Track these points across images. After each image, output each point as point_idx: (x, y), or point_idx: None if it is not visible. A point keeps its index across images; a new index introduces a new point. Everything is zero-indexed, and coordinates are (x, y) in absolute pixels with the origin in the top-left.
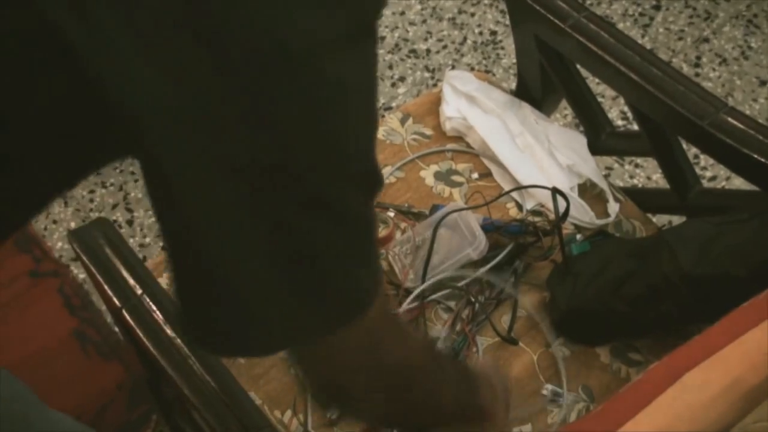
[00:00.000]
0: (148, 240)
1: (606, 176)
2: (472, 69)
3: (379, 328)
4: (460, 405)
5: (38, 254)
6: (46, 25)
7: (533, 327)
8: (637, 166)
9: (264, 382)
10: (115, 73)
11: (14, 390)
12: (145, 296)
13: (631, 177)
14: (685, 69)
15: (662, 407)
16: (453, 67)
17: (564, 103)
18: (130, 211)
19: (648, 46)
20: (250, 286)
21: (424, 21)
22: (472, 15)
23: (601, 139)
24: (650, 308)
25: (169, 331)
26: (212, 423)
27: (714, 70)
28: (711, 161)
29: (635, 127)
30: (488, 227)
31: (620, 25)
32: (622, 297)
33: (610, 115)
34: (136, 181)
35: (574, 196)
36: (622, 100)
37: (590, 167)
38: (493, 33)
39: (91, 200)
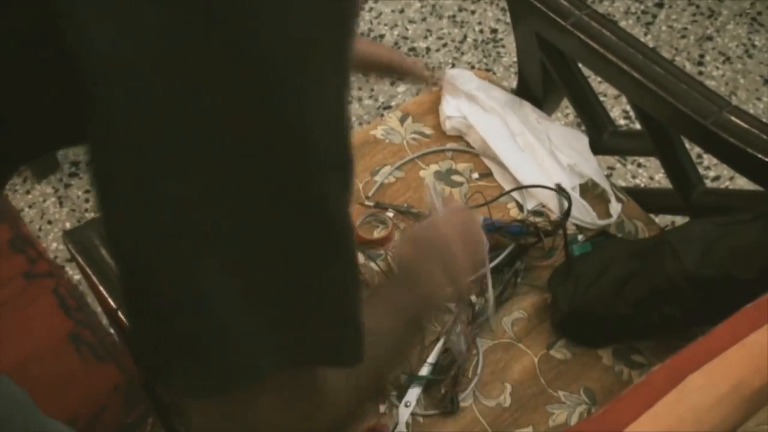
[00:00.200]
0: None
1: (608, 176)
2: (473, 67)
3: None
4: (420, 330)
5: (33, 255)
6: None
7: (534, 328)
8: (639, 165)
9: None
10: (77, 27)
11: (14, 398)
12: None
13: (634, 177)
14: (688, 67)
15: (665, 410)
16: (453, 66)
17: (565, 102)
18: None
19: (651, 44)
20: (215, 302)
21: (424, 19)
22: (473, 13)
23: (603, 138)
24: (653, 310)
25: None
26: None
27: (717, 68)
28: (714, 161)
29: (638, 126)
30: (489, 228)
31: (622, 23)
32: (625, 298)
33: (612, 114)
34: None
35: (575, 196)
36: (624, 99)
37: (592, 167)
38: (494, 31)
39: (87, 200)
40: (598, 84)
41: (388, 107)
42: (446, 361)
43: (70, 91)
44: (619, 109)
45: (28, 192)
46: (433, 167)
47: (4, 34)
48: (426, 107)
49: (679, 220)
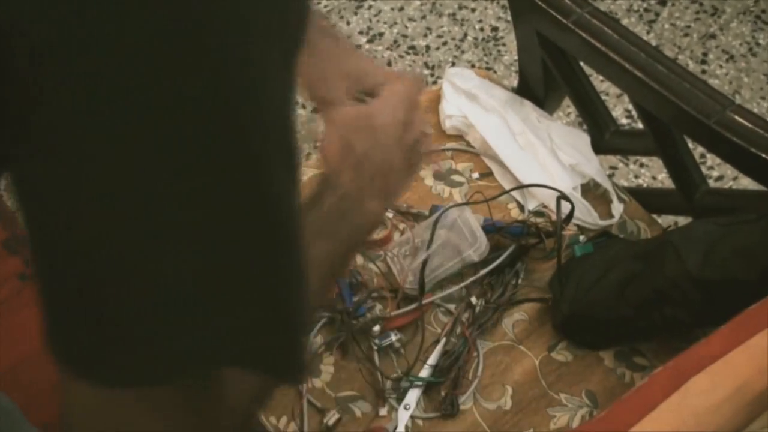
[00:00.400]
0: None
1: (610, 176)
2: (473, 66)
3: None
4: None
5: (28, 256)
6: None
7: (535, 330)
8: (641, 165)
9: None
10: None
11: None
12: None
13: (636, 177)
14: (692, 66)
15: (667, 412)
16: (453, 64)
17: (567, 101)
18: None
19: (653, 43)
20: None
21: (424, 17)
22: (473, 11)
23: (604, 137)
24: (655, 311)
25: None
26: None
27: (721, 67)
28: (718, 161)
29: (640, 125)
30: (489, 228)
31: (625, 21)
32: (627, 300)
33: (614, 114)
34: None
35: (577, 196)
36: (626, 98)
37: (594, 167)
38: (495, 29)
39: None
40: (599, 83)
41: None
42: (446, 363)
43: None
44: (621, 108)
45: None
46: (433, 167)
47: None
48: (426, 106)
49: (682, 220)
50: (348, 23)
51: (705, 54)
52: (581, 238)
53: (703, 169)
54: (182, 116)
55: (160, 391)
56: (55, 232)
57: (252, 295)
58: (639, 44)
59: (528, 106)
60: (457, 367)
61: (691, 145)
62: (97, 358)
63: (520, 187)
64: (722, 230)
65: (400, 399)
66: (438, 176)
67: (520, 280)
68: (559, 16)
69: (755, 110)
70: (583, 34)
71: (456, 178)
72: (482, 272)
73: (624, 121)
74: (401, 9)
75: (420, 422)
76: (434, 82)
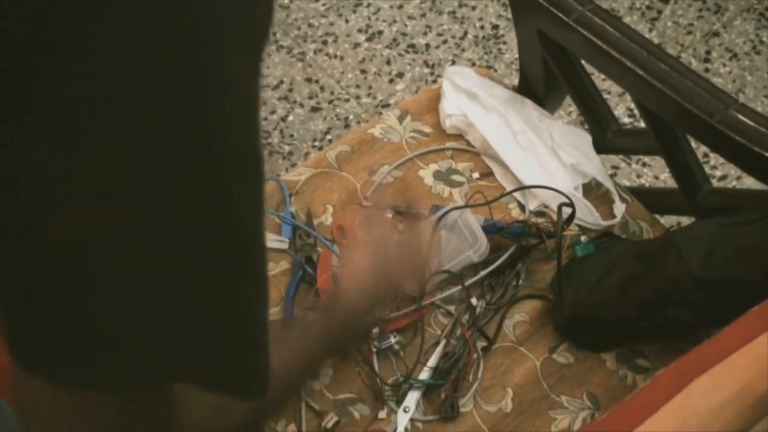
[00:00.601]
0: None
1: (612, 176)
2: (473, 64)
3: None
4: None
5: None
6: None
7: (536, 332)
8: (644, 165)
9: None
10: None
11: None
12: None
13: (638, 176)
14: (694, 64)
15: (670, 414)
16: (453, 63)
17: (568, 99)
18: None
19: (656, 41)
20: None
21: (424, 15)
22: (473, 8)
23: (606, 137)
24: (657, 312)
25: None
26: None
27: (724, 65)
28: (721, 160)
29: (642, 124)
30: (490, 228)
31: (627, 19)
32: (629, 301)
33: (616, 113)
34: None
35: (578, 196)
36: (628, 97)
37: (595, 166)
38: (495, 27)
39: None
40: (601, 81)
41: (387, 105)
42: (446, 365)
43: None
44: (623, 107)
45: None
46: (433, 167)
47: None
48: (425, 105)
49: (685, 220)
50: (347, 21)
51: (708, 52)
52: (583, 238)
53: (706, 169)
54: (152, 118)
55: (112, 398)
56: (16, 230)
57: (211, 314)
58: (641, 42)
59: (529, 105)
60: (457, 369)
61: (693, 144)
62: (55, 359)
63: (521, 188)
64: (725, 230)
65: (399, 401)
66: (438, 176)
67: (520, 281)
68: (560, 14)
69: (759, 109)
70: (585, 32)
71: (456, 177)
72: (482, 273)
73: (626, 120)
74: (401, 7)
75: (420, 425)
76: (434, 81)
